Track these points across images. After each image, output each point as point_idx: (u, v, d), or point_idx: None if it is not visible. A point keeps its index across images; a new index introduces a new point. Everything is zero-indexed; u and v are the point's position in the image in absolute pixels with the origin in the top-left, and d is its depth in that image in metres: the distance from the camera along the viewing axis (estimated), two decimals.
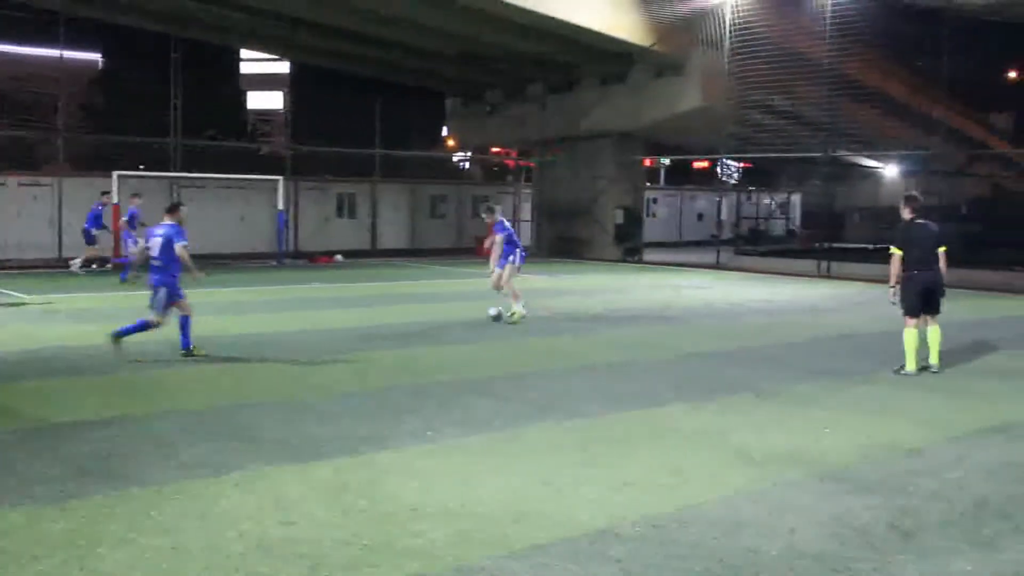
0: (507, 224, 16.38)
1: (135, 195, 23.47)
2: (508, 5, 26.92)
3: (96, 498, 6.36)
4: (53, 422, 8.51)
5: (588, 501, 6.44)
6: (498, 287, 16.21)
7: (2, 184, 28.37)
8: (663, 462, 7.44)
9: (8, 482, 6.68)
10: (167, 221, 12.11)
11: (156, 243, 11.86)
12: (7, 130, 31.56)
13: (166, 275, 11.78)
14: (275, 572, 5.13)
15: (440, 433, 8.25)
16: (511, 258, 16.02)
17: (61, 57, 29.13)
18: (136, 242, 20.87)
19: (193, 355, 11.95)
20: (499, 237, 15.94)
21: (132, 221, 23.16)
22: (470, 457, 7.52)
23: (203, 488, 6.59)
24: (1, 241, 27.82)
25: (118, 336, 11.79)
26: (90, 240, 24.12)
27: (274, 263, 29.61)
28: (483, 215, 16.78)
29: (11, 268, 25.71)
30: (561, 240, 36.34)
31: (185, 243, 11.91)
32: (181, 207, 12.49)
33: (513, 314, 15.82)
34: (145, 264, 13.32)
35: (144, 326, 11.82)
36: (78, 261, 24.61)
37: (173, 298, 11.84)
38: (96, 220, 24.14)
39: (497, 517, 6.08)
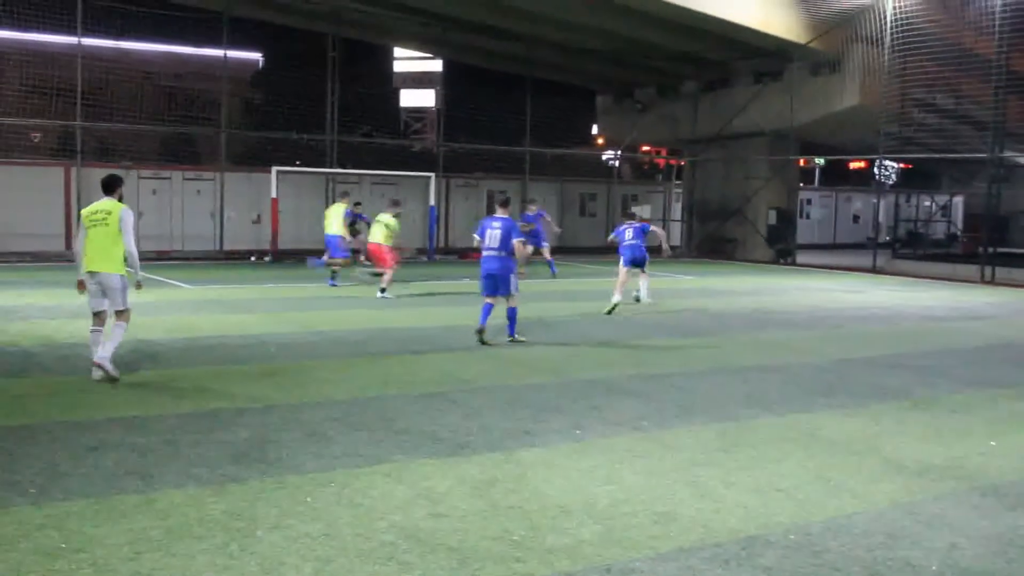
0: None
1: (345, 194, 24.97)
2: (661, 3, 26.73)
3: (253, 482, 6.57)
4: (213, 407, 8.84)
5: (736, 506, 6.33)
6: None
7: (167, 178, 29.63)
8: (813, 469, 7.26)
9: (172, 463, 6.96)
10: (500, 214, 13.24)
11: (494, 234, 12.96)
12: (172, 126, 32.91)
13: (505, 261, 12.95)
14: (425, 563, 5.21)
15: (586, 431, 8.24)
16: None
17: (225, 56, 30.19)
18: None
19: (518, 341, 13.15)
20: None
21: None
22: (616, 456, 7.48)
23: (354, 477, 6.74)
24: (166, 232, 29.06)
25: (481, 330, 13.03)
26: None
27: (425, 258, 30.07)
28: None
29: (175, 259, 26.81)
30: (711, 240, 35.90)
31: (523, 238, 13.28)
32: (510, 201, 14.05)
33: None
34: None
35: (513, 313, 13.29)
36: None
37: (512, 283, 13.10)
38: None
39: (644, 518, 6.04)
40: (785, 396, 10.08)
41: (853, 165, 48.60)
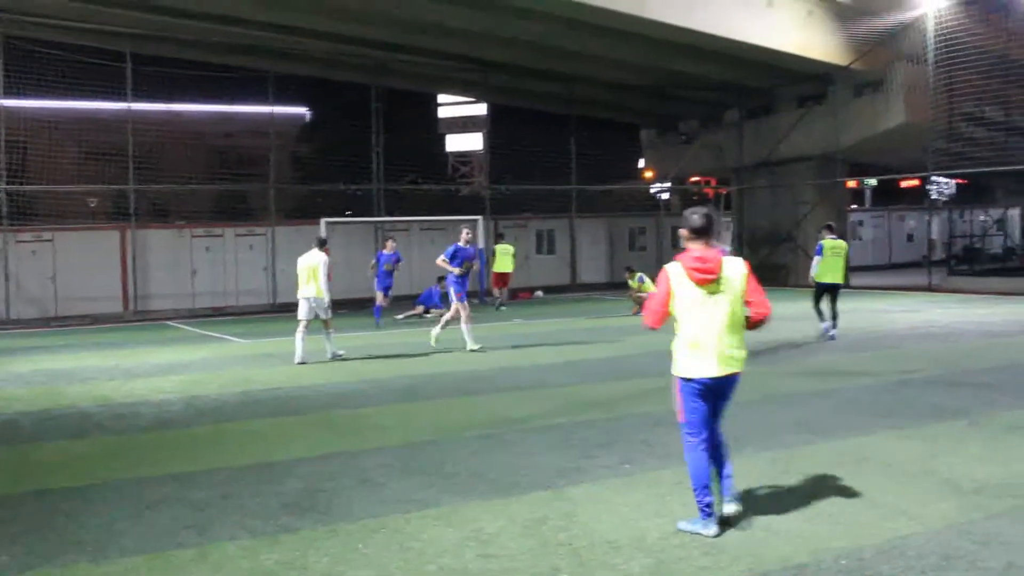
0: None
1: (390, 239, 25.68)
2: (699, 34, 26.80)
3: (306, 532, 6.65)
4: (268, 459, 8.95)
5: (787, 534, 6.29)
6: None
7: (220, 235, 30.10)
8: (866, 493, 7.19)
9: (228, 516, 7.07)
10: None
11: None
12: (223, 184, 33.52)
13: None
14: None
15: (636, 466, 8.23)
16: None
17: (271, 113, 30.74)
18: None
19: None
20: None
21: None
22: (664, 489, 7.47)
23: (405, 523, 6.79)
24: (220, 289, 29.50)
25: None
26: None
27: (477, 301, 30.17)
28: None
29: (229, 314, 27.17)
30: (763, 267, 35.58)
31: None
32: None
33: None
34: None
35: None
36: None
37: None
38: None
39: (693, 550, 6.03)
40: (840, 421, 9.98)
41: (905, 183, 48.09)
